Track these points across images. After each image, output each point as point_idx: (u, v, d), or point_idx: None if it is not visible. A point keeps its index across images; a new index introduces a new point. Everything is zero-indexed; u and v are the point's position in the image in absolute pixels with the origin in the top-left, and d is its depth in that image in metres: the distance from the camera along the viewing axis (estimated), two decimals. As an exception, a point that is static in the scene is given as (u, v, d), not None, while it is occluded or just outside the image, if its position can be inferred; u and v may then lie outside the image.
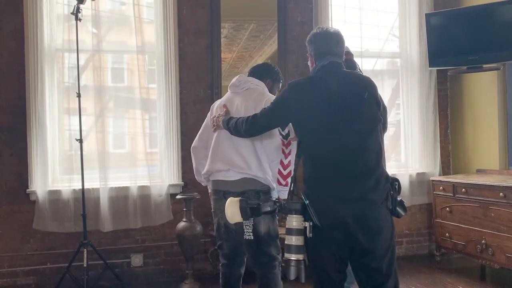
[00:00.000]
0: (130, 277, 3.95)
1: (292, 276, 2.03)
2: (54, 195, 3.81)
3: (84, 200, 3.62)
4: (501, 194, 3.59)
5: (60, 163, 3.94)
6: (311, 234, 2.03)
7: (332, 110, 2.12)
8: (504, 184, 3.61)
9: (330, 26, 4.30)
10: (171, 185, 4.05)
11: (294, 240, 2.04)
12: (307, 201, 2.05)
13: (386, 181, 2.14)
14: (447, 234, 4.12)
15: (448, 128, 4.81)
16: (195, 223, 3.76)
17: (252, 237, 2.56)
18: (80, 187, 3.63)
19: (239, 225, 2.55)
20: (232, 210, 2.15)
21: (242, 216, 2.14)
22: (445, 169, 4.73)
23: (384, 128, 2.42)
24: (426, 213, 4.68)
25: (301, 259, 2.04)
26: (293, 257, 2.03)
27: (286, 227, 2.08)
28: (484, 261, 3.82)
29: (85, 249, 3.52)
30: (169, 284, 3.94)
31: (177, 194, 3.94)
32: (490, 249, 3.69)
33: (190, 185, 4.09)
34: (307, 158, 2.19)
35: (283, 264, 2.05)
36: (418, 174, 4.60)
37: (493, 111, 4.31)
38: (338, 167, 2.10)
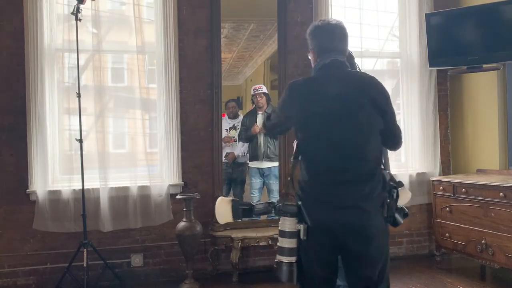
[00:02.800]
0: (130, 277, 3.95)
1: (284, 278, 2.04)
2: (54, 195, 3.81)
3: (84, 200, 3.62)
4: (501, 194, 3.59)
5: (60, 163, 3.94)
6: (305, 237, 2.01)
7: (329, 114, 2.04)
8: (504, 184, 3.61)
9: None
10: (171, 185, 4.05)
11: (286, 243, 2.03)
12: (300, 202, 2.04)
13: (382, 189, 2.06)
14: (447, 234, 4.12)
15: (448, 128, 4.81)
16: (195, 223, 3.76)
17: None
18: (80, 187, 3.63)
19: None
20: (223, 210, 2.11)
21: (233, 216, 2.11)
22: (445, 169, 4.73)
23: (391, 136, 2.18)
24: (426, 213, 4.67)
25: (293, 261, 2.03)
26: (284, 259, 2.03)
27: (279, 229, 2.06)
28: (484, 261, 3.82)
29: (85, 249, 3.52)
30: (169, 284, 3.94)
31: (177, 194, 3.94)
32: (490, 249, 3.69)
33: (190, 185, 4.10)
34: (303, 161, 2.12)
35: (275, 266, 2.04)
36: (418, 174, 4.60)
37: (493, 111, 4.31)
38: (331, 173, 2.04)
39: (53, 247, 3.85)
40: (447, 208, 4.11)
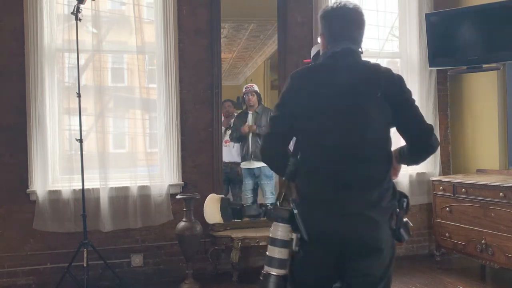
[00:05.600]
0: (130, 277, 3.95)
1: None
2: (54, 195, 3.81)
3: (84, 200, 3.62)
4: (501, 194, 3.59)
5: (60, 163, 3.94)
6: (297, 248, 1.74)
7: (335, 107, 1.78)
8: (504, 184, 3.61)
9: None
10: (171, 185, 4.05)
11: (277, 253, 1.76)
12: (296, 210, 1.75)
13: (392, 197, 1.81)
14: (447, 234, 4.12)
15: (448, 128, 4.81)
16: (195, 223, 3.76)
17: None
18: (80, 187, 3.63)
19: None
20: (211, 208, 1.88)
21: (222, 217, 1.87)
22: (445, 169, 4.73)
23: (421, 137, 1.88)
24: (426, 213, 4.68)
25: (282, 274, 1.75)
26: (273, 271, 1.74)
27: (270, 235, 1.80)
28: (484, 261, 3.82)
29: (85, 249, 3.52)
30: (169, 284, 3.94)
31: (177, 194, 3.94)
32: (490, 249, 3.69)
33: (190, 185, 4.10)
34: (303, 161, 1.85)
35: (261, 278, 1.77)
36: (418, 174, 4.60)
37: (493, 111, 4.31)
38: (335, 175, 1.77)
39: (53, 247, 3.85)
40: (447, 208, 4.11)
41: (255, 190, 4.61)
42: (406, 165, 2.02)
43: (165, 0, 4.04)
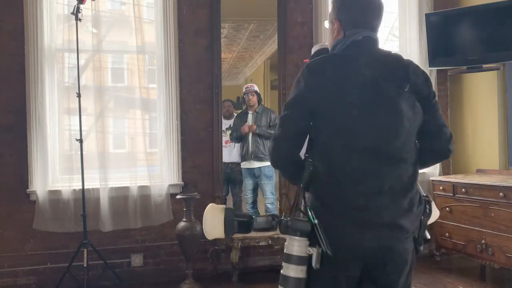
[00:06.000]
0: (130, 277, 3.95)
1: None
2: (54, 195, 3.81)
3: (84, 200, 3.62)
4: (501, 194, 3.59)
5: (60, 163, 3.94)
6: (318, 265, 1.52)
7: (362, 103, 1.58)
8: (504, 184, 3.61)
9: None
10: (171, 185, 4.05)
11: (292, 271, 1.54)
12: (316, 221, 1.54)
13: (419, 203, 1.64)
14: (447, 234, 4.12)
15: (448, 128, 4.80)
16: (195, 223, 3.76)
17: None
18: (80, 187, 3.64)
19: None
20: (212, 221, 1.61)
21: (225, 231, 1.60)
22: (445, 169, 4.73)
23: (439, 135, 1.73)
24: (426, 213, 4.67)
25: None
26: None
27: (285, 251, 1.58)
28: (484, 261, 3.82)
29: (85, 249, 3.52)
30: (169, 284, 3.94)
31: (177, 194, 3.94)
32: (490, 249, 3.69)
33: (190, 185, 4.10)
34: (323, 164, 1.60)
35: None
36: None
37: (493, 111, 4.31)
38: (363, 180, 1.57)
39: (53, 247, 3.85)
40: (447, 208, 4.11)
41: (255, 190, 4.61)
42: None
43: (165, 0, 4.04)
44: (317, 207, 1.58)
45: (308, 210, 1.57)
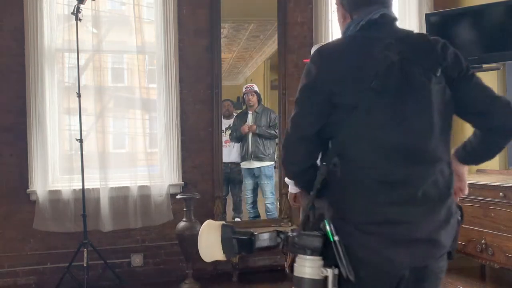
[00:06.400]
0: (130, 277, 3.95)
1: None
2: (54, 195, 3.81)
3: (84, 200, 3.62)
4: (501, 194, 3.59)
5: (60, 163, 3.94)
6: None
7: (386, 91, 1.32)
8: (504, 184, 3.61)
9: (329, 26, 4.30)
10: (171, 185, 4.05)
11: None
12: (336, 238, 1.26)
13: (455, 212, 1.40)
14: (447, 234, 4.12)
15: (448, 128, 4.81)
16: (195, 223, 3.76)
17: None
18: (80, 187, 3.63)
19: None
20: (208, 240, 1.38)
21: (224, 252, 1.37)
22: (445, 169, 4.72)
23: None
24: (426, 213, 4.67)
25: None
26: None
27: (294, 274, 1.33)
28: (484, 261, 3.82)
29: (85, 249, 3.52)
30: (169, 284, 3.94)
31: (177, 194, 3.94)
32: (490, 249, 3.69)
33: (190, 185, 4.10)
34: (338, 164, 1.36)
35: None
36: (418, 174, 4.59)
37: (493, 111, 4.30)
38: (394, 185, 1.31)
39: (53, 247, 3.85)
40: (447, 208, 4.10)
41: (255, 190, 4.61)
42: (474, 165, 1.60)
43: (165, 0, 4.04)
44: (337, 219, 1.32)
45: (326, 224, 1.29)
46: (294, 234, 1.33)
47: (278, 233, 1.37)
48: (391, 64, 1.33)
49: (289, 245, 1.33)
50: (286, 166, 1.47)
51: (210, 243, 1.37)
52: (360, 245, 1.30)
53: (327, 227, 1.29)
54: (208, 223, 1.42)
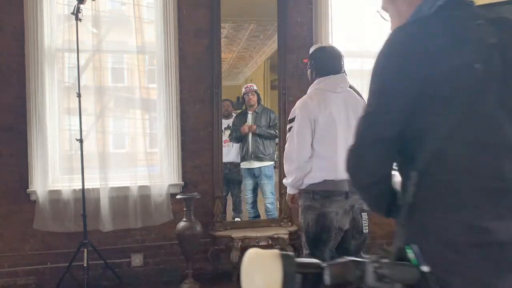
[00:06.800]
0: (130, 277, 3.95)
1: None
2: (54, 195, 3.81)
3: (84, 200, 3.62)
4: None
5: (60, 163, 3.94)
6: None
7: (490, 80, 1.08)
8: (504, 184, 3.60)
9: (329, 26, 4.30)
10: (171, 185, 4.05)
11: None
12: (426, 268, 0.98)
13: None
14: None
15: (448, 128, 4.80)
16: (195, 223, 3.76)
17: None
18: (80, 187, 3.64)
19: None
20: (266, 274, 0.98)
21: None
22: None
23: None
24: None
25: None
26: None
27: None
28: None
29: (85, 249, 3.52)
30: (169, 284, 3.94)
31: (177, 194, 3.94)
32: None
33: (190, 185, 4.10)
34: (434, 170, 1.08)
35: None
36: (418, 174, 4.59)
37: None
38: (506, 194, 1.05)
39: (53, 247, 3.85)
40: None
41: (255, 190, 4.62)
42: None
43: (165, 0, 4.04)
44: (429, 244, 1.03)
45: (408, 250, 1.01)
46: (380, 264, 0.97)
47: (355, 264, 0.99)
48: (490, 50, 1.09)
49: (375, 277, 0.97)
50: (353, 177, 1.19)
51: (268, 276, 0.98)
52: (462, 273, 1.02)
53: (411, 254, 1.00)
54: (257, 253, 1.03)
